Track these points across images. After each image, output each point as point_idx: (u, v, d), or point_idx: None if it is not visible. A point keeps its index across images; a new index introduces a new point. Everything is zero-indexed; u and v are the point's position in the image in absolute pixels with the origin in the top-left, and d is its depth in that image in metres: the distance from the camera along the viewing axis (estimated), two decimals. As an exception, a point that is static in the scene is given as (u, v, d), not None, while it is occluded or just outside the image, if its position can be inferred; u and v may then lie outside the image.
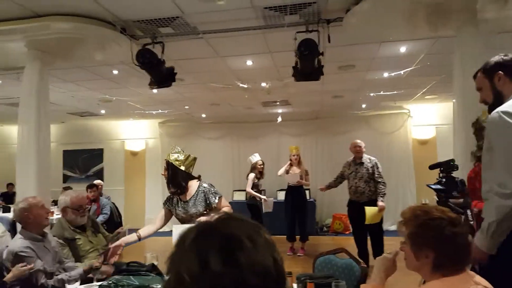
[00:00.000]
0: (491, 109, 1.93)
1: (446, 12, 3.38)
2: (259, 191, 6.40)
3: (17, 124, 3.87)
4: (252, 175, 6.34)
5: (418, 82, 6.25)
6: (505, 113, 1.72)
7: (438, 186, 2.24)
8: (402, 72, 5.48)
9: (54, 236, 2.83)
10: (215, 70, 5.26)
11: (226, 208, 2.88)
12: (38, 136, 3.78)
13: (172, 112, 8.29)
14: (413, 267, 1.40)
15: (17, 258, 2.42)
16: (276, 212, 6.51)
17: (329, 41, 3.59)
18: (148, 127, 9.80)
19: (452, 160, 2.38)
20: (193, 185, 2.94)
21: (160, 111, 8.08)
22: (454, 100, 3.53)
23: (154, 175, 9.13)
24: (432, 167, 2.47)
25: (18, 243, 2.49)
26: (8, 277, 2.32)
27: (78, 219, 2.95)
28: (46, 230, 2.74)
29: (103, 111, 8.08)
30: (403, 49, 4.67)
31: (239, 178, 8.62)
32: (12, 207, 2.94)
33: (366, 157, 5.32)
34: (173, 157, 2.93)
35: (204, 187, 2.94)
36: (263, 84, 5.93)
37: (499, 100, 1.89)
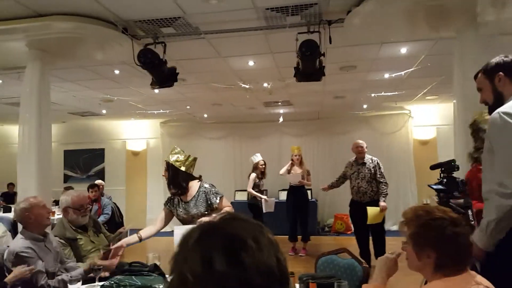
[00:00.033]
0: (491, 109, 1.94)
1: (446, 14, 3.40)
2: (261, 191, 6.41)
3: (18, 124, 3.86)
4: (253, 175, 6.35)
5: (419, 83, 6.26)
6: (506, 113, 1.74)
7: (439, 186, 2.25)
8: (403, 73, 5.49)
9: (55, 236, 2.82)
10: (217, 70, 5.27)
11: (227, 208, 2.87)
12: (39, 136, 3.77)
13: (174, 112, 8.29)
14: (415, 267, 1.41)
15: (18, 258, 2.41)
16: (278, 212, 6.52)
17: (330, 42, 3.60)
18: (149, 127, 9.80)
19: (453, 161, 2.39)
20: (194, 185, 2.94)
21: (161, 111, 8.08)
22: (454, 101, 3.54)
23: (156, 175, 9.13)
24: (433, 167, 2.47)
25: (19, 243, 2.48)
26: (9, 278, 2.31)
27: (80, 219, 2.95)
28: (47, 230, 2.74)
29: (104, 111, 8.08)
30: (403, 50, 4.68)
31: (241, 178, 8.63)
32: (13, 207, 2.94)
33: (368, 157, 5.34)
34: (173, 158, 2.92)
35: (205, 187, 2.93)
36: (265, 85, 5.93)
37: (499, 100, 1.90)
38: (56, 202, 5.60)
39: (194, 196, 2.90)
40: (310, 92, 6.58)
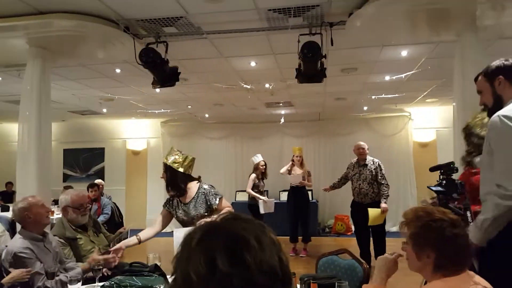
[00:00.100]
0: (490, 112, 1.96)
1: (446, 17, 3.41)
2: (260, 192, 6.41)
3: (18, 122, 3.84)
4: (252, 176, 6.36)
5: (419, 85, 6.27)
6: (506, 117, 1.76)
7: (439, 188, 2.26)
8: (403, 75, 5.50)
9: (55, 235, 2.81)
10: (218, 70, 5.27)
11: (227, 209, 2.84)
12: (39, 134, 3.76)
13: (175, 111, 8.29)
14: (415, 268, 1.42)
15: (16, 259, 2.39)
16: (278, 213, 6.52)
17: (332, 44, 3.61)
18: (150, 126, 9.79)
19: (452, 163, 2.40)
20: (193, 186, 2.91)
21: (162, 110, 8.08)
22: (454, 104, 3.55)
23: (156, 175, 9.10)
24: (432, 169, 2.48)
25: (18, 243, 2.46)
26: (6, 279, 2.29)
27: (79, 218, 2.94)
28: (47, 229, 2.72)
29: (104, 110, 8.08)
30: (404, 53, 4.69)
31: (242, 178, 8.63)
32: (11, 207, 2.92)
33: (369, 159, 5.35)
34: (170, 159, 2.87)
35: (204, 188, 2.90)
36: (267, 85, 5.94)
37: (499, 104, 1.92)
38: (56, 202, 5.59)
39: (194, 197, 2.87)
40: (311, 93, 6.60)
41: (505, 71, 1.92)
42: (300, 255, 6.31)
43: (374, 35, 3.93)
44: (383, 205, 5.08)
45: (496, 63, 1.96)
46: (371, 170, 5.24)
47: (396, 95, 6.78)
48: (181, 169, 2.85)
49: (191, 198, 2.88)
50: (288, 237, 6.33)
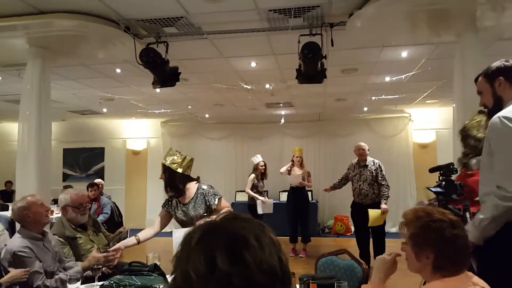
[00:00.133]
0: (490, 113, 1.96)
1: (446, 18, 3.42)
2: (259, 192, 6.40)
3: (18, 121, 3.84)
4: (251, 176, 6.36)
5: (419, 86, 6.28)
6: (506, 118, 1.77)
7: (438, 189, 2.25)
8: (403, 76, 5.51)
9: (54, 234, 2.81)
10: (219, 70, 5.27)
11: (226, 209, 2.83)
12: (39, 133, 3.76)
13: (175, 111, 8.29)
14: (414, 268, 1.43)
15: (15, 258, 2.39)
16: (278, 213, 6.52)
17: (332, 44, 3.61)
18: (150, 126, 9.79)
19: (452, 164, 2.40)
20: (192, 187, 2.90)
21: (162, 110, 8.08)
22: (454, 105, 3.56)
23: (156, 175, 8.98)
24: (432, 170, 2.48)
25: (17, 242, 2.46)
26: (4, 279, 2.29)
27: (79, 217, 2.95)
28: (46, 229, 2.72)
29: (105, 110, 8.08)
30: (404, 53, 4.69)
31: (242, 179, 8.63)
32: (11, 206, 2.92)
33: (370, 160, 5.35)
34: (169, 160, 2.87)
35: (203, 189, 2.89)
36: (267, 86, 5.95)
37: (499, 104, 1.93)
38: (55, 201, 5.59)
39: (193, 198, 2.87)
40: (311, 94, 6.60)
41: (505, 72, 1.92)
42: (300, 255, 6.31)
43: (375, 35, 3.93)
44: (383, 206, 5.08)
45: (497, 64, 1.96)
46: (372, 171, 5.24)
47: (396, 96, 6.78)
48: (179, 170, 2.85)
49: (190, 199, 2.87)
50: (288, 237, 6.32)
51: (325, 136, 9.13)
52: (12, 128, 9.49)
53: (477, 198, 1.99)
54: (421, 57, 4.80)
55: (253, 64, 5.02)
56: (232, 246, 0.68)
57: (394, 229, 7.57)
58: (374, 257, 4.93)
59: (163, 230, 2.99)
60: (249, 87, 5.93)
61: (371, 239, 5.24)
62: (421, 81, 5.86)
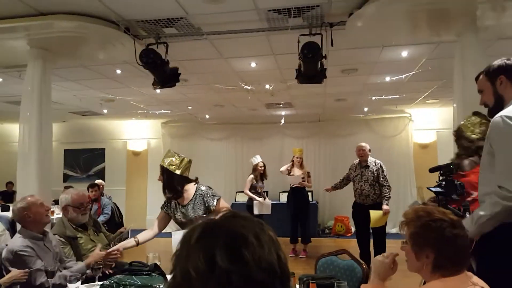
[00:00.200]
0: (491, 112, 1.95)
1: (447, 17, 3.41)
2: (258, 193, 6.39)
3: (19, 123, 3.85)
4: (250, 177, 6.36)
5: (420, 86, 6.27)
6: (508, 117, 1.75)
7: (438, 189, 2.25)
8: (403, 76, 5.50)
9: (55, 234, 2.83)
10: (219, 71, 5.27)
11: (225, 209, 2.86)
12: (40, 134, 3.76)
13: (175, 112, 8.29)
14: (414, 268, 1.42)
15: (17, 257, 2.40)
16: (278, 214, 6.51)
17: (332, 44, 3.61)
18: (150, 127, 9.80)
19: (452, 164, 2.40)
20: (190, 188, 2.91)
21: (163, 111, 8.09)
22: (454, 105, 3.55)
23: (156, 175, 8.97)
24: (432, 170, 2.48)
25: (18, 242, 2.48)
26: (4, 280, 2.29)
27: (80, 217, 2.96)
28: (47, 229, 2.74)
29: (105, 111, 8.08)
30: (404, 53, 4.69)
31: (242, 179, 8.61)
32: (11, 207, 2.93)
33: (371, 160, 5.31)
34: (167, 161, 2.88)
35: (202, 190, 2.90)
36: (267, 86, 5.95)
37: (500, 103, 1.92)
38: (56, 202, 5.59)
39: (192, 199, 2.88)
40: (311, 94, 6.60)
41: (507, 70, 1.91)
42: (300, 256, 6.31)
43: (374, 35, 3.93)
44: (385, 207, 5.05)
45: (498, 62, 1.95)
46: (373, 172, 5.21)
47: (397, 96, 6.78)
48: (177, 171, 2.86)
49: (189, 200, 2.88)
50: (288, 238, 6.32)
51: (325, 136, 9.13)
52: (13, 129, 9.51)
53: (469, 198, 1.99)
54: (421, 56, 4.80)
55: (253, 65, 5.02)
56: (231, 244, 0.68)
57: (394, 230, 7.56)
58: (374, 258, 4.95)
59: (164, 231, 3.00)
60: (249, 87, 5.93)
61: (371, 240, 5.23)
62: (421, 81, 5.85)
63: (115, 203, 6.52)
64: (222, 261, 0.66)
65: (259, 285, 0.67)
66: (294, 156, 6.48)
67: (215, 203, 2.85)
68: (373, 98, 6.94)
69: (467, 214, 2.11)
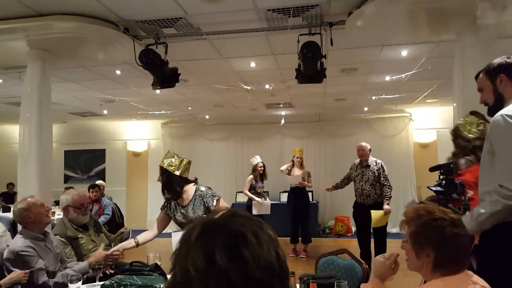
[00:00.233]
0: (491, 110, 1.95)
1: (446, 16, 3.41)
2: (257, 193, 6.38)
3: (19, 124, 3.85)
4: (249, 177, 6.36)
5: (420, 86, 6.27)
6: (509, 116, 1.74)
7: (438, 188, 2.25)
8: (403, 75, 5.50)
9: (56, 234, 2.84)
10: (218, 71, 5.27)
11: (225, 210, 2.86)
12: (40, 136, 3.77)
13: (175, 113, 8.30)
14: (414, 267, 1.42)
15: (18, 257, 2.41)
16: (278, 214, 6.51)
17: (331, 44, 3.61)
18: (150, 128, 9.81)
19: (452, 163, 2.40)
20: (190, 189, 2.91)
21: (163, 112, 8.09)
22: (454, 104, 3.55)
23: (156, 176, 8.99)
24: (432, 169, 2.48)
25: (19, 242, 2.48)
26: (4, 280, 2.30)
27: (80, 218, 2.97)
28: (48, 229, 2.75)
29: (105, 112, 8.09)
30: (404, 52, 4.68)
31: (242, 179, 8.61)
32: (12, 208, 2.94)
33: (372, 160, 5.30)
34: (166, 162, 2.89)
35: (201, 191, 2.90)
36: (267, 86, 5.94)
37: (500, 102, 1.91)
38: (57, 203, 5.60)
39: (191, 200, 2.88)
40: (311, 94, 6.59)
41: (507, 69, 1.90)
42: (300, 256, 6.31)
43: (374, 34, 3.92)
44: (386, 206, 5.04)
45: (498, 60, 1.94)
46: (374, 171, 5.20)
47: (397, 95, 6.77)
48: (177, 172, 2.87)
49: (188, 201, 2.89)
50: (288, 238, 6.32)
51: (325, 136, 9.13)
52: (13, 130, 9.52)
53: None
54: (421, 56, 4.80)
55: (253, 64, 5.01)
56: (231, 242, 0.68)
57: (394, 230, 7.55)
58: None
59: (164, 231, 3.00)
60: (248, 87, 5.93)
61: (372, 240, 5.23)
62: (421, 80, 5.85)
63: (115, 204, 6.53)
64: (221, 259, 0.66)
65: (258, 284, 0.67)
66: (294, 156, 6.48)
67: (214, 203, 2.86)
68: (373, 97, 6.94)
69: (467, 213, 2.11)
